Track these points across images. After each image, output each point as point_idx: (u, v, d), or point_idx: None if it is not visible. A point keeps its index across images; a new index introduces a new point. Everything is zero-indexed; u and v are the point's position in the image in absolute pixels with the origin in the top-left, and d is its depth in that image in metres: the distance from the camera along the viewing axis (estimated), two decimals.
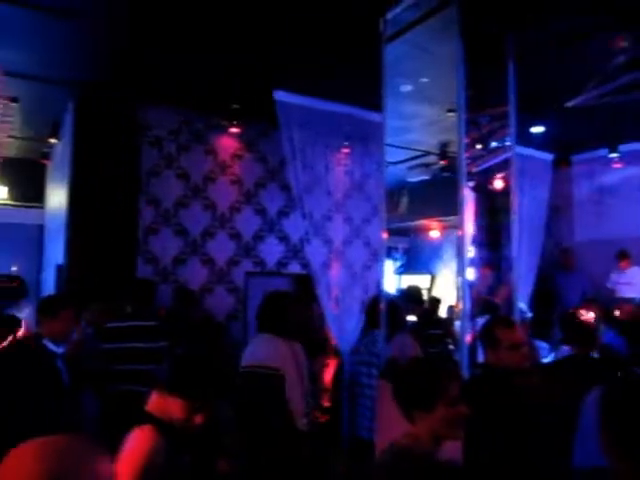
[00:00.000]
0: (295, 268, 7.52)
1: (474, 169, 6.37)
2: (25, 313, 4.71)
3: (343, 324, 4.72)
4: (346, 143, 4.95)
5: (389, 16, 4.30)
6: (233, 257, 7.14)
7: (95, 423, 3.82)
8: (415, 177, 9.09)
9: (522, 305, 5.24)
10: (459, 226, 3.65)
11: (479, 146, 6.01)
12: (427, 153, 8.19)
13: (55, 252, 7.25)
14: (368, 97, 4.37)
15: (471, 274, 6.10)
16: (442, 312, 7.22)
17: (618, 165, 7.43)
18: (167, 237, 6.74)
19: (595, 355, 3.39)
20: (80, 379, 3.64)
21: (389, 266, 9.77)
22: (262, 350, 3.75)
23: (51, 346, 3.36)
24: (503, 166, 5.77)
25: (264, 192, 7.44)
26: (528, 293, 6.06)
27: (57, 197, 7.57)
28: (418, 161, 8.56)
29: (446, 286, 9.81)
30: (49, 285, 7.55)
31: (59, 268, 6.78)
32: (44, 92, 6.24)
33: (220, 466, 2.79)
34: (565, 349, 3.63)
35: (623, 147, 7.24)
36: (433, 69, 5.04)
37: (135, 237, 6.47)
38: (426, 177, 9.00)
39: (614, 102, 4.96)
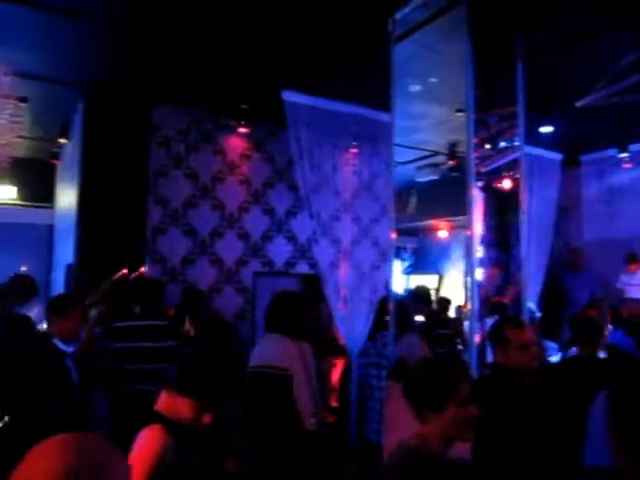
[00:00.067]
0: (303, 268, 7.53)
1: (483, 169, 6.35)
2: (35, 312, 4.73)
3: (351, 324, 4.71)
4: (354, 143, 4.95)
5: (398, 16, 4.30)
6: (241, 257, 7.16)
7: (105, 422, 3.84)
8: (424, 177, 9.09)
9: (531, 305, 5.23)
10: (468, 226, 3.65)
11: (488, 146, 6.00)
12: (436, 153, 8.18)
13: (65, 252, 7.29)
14: (377, 97, 4.37)
15: (479, 274, 6.09)
16: (451, 312, 7.20)
17: (628, 165, 7.38)
18: (175, 237, 6.76)
19: (603, 355, 3.39)
20: (90, 378, 3.66)
21: (397, 266, 9.76)
22: (270, 350, 3.75)
23: (61, 345, 3.38)
24: (512, 166, 5.76)
25: (272, 192, 7.45)
26: (537, 293, 6.04)
27: (67, 197, 7.61)
28: (427, 161, 8.55)
29: (454, 286, 9.79)
30: (59, 285, 7.60)
31: (69, 268, 6.82)
32: (54, 92, 6.27)
33: (228, 466, 2.79)
34: (574, 349, 3.63)
35: (633, 147, 7.19)
36: (442, 69, 5.03)
37: (144, 237, 6.49)
38: (435, 177, 8.99)
39: (623, 102, 4.93)
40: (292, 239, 7.53)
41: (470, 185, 3.62)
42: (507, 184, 7.14)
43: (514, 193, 5.18)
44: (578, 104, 5.14)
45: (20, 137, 7.01)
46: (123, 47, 5.24)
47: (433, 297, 6.78)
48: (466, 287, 3.64)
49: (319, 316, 4.86)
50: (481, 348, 3.94)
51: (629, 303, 6.32)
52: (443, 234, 10.42)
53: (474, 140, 3.81)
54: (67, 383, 3.30)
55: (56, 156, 8.46)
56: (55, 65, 5.63)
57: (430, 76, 5.43)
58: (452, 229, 10.20)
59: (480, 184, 6.85)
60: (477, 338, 3.84)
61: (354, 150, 5.00)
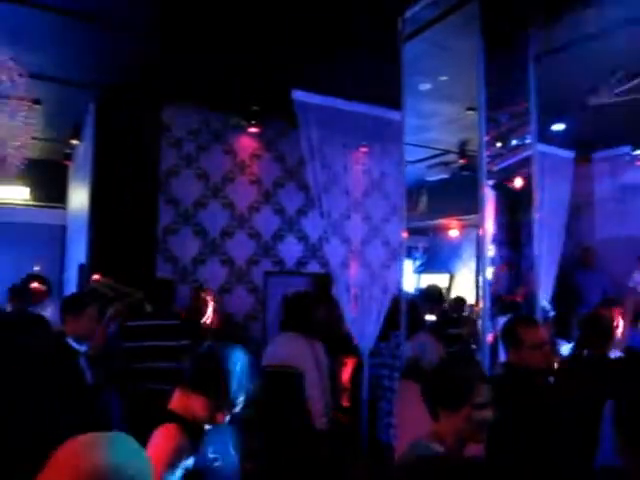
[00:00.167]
0: (314, 267, 7.53)
1: (494, 167, 6.32)
2: (48, 312, 4.77)
3: (362, 323, 4.72)
4: (364, 142, 4.95)
5: (408, 14, 4.29)
6: (252, 257, 7.17)
7: (118, 421, 3.86)
8: (434, 176, 9.06)
9: (545, 303, 5.20)
10: (480, 225, 3.63)
11: (499, 144, 5.96)
12: (446, 152, 8.15)
13: (77, 252, 7.35)
14: (387, 96, 4.36)
15: (490, 273, 6.05)
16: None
17: None
18: (186, 237, 6.79)
19: (618, 355, 3.37)
20: (103, 377, 3.68)
21: (408, 265, 9.74)
22: (282, 349, 3.77)
23: (74, 344, 3.40)
24: (523, 164, 5.72)
25: (283, 192, 7.46)
26: (549, 292, 6.01)
27: (79, 197, 7.67)
28: (437, 160, 8.52)
29: (465, 285, 9.75)
30: (71, 285, 7.65)
31: (81, 267, 6.87)
32: (66, 94, 6.32)
33: (246, 467, 2.80)
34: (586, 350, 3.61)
35: None
36: (452, 67, 5.01)
37: (155, 237, 6.53)
38: (445, 176, 8.95)
39: (636, 99, 4.89)
40: (303, 238, 7.53)
41: (482, 183, 3.61)
42: (518, 182, 7.10)
43: (525, 191, 5.16)
44: (590, 101, 5.10)
45: (33, 138, 7.06)
46: (134, 48, 5.27)
47: (446, 296, 6.77)
48: (477, 286, 3.62)
49: (332, 315, 4.87)
50: (493, 347, 3.92)
51: None
52: (454, 233, 10.36)
53: (485, 138, 3.79)
54: (80, 382, 3.32)
55: (68, 157, 8.53)
56: (67, 67, 5.67)
57: (440, 74, 5.41)
58: (463, 228, 10.14)
59: (491, 182, 6.82)
60: (489, 337, 3.83)
61: (364, 149, 5.01)
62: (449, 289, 10.13)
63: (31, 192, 9.10)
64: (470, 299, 7.60)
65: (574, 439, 2.65)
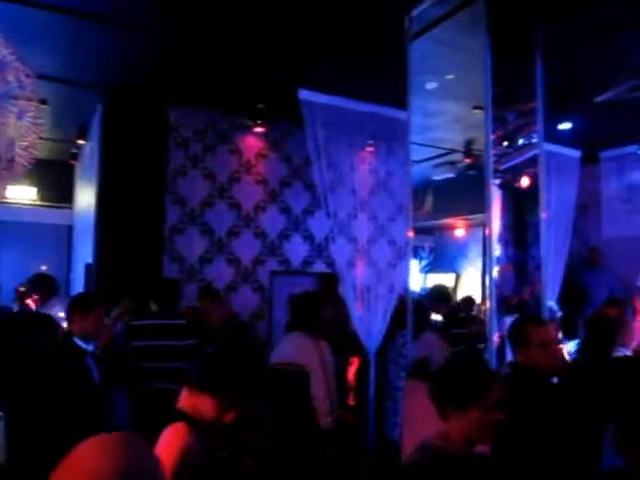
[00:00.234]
0: (320, 267, 7.53)
1: (500, 167, 6.30)
2: (55, 311, 4.78)
3: (368, 322, 4.71)
4: (370, 141, 4.95)
5: (414, 13, 4.28)
6: (258, 256, 7.18)
7: (125, 420, 3.87)
8: (440, 175, 9.04)
9: (552, 303, 5.18)
10: (487, 224, 3.62)
11: (505, 143, 5.95)
12: (452, 151, 8.13)
13: (84, 251, 7.38)
14: (393, 95, 4.35)
15: (496, 273, 6.04)
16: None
17: None
18: (193, 236, 6.80)
19: (628, 353, 3.36)
20: (110, 377, 3.69)
21: (414, 265, 9.74)
22: (289, 348, 3.77)
23: (81, 344, 3.41)
24: (530, 163, 5.70)
25: (289, 191, 7.46)
26: (556, 291, 5.99)
27: (85, 197, 7.70)
28: (443, 159, 8.50)
29: (471, 285, 9.74)
30: (78, 285, 7.69)
31: (88, 267, 6.89)
32: (73, 94, 6.34)
33: (248, 464, 2.80)
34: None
35: None
36: (459, 66, 4.99)
37: (161, 236, 6.54)
38: (451, 175, 8.93)
39: None
40: (309, 238, 7.54)
41: (488, 183, 3.60)
42: (525, 182, 7.07)
43: (532, 191, 5.13)
44: (598, 99, 5.08)
45: (40, 139, 7.08)
46: (141, 49, 5.28)
47: (454, 296, 6.75)
48: (484, 286, 3.62)
49: (338, 314, 4.87)
50: (500, 347, 3.91)
51: None
52: (460, 232, 10.36)
53: (492, 137, 3.78)
54: (87, 382, 3.33)
55: (75, 157, 8.56)
56: (75, 68, 5.69)
57: (447, 73, 5.39)
58: (469, 227, 10.14)
59: (497, 182, 6.80)
60: (496, 337, 3.81)
61: (370, 149, 5.00)
62: (455, 289, 10.12)
63: (38, 192, 9.14)
64: (476, 299, 7.59)
65: (580, 439, 2.64)
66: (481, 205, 3.62)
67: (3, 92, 3.24)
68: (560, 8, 4.14)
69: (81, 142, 7.63)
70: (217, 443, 2.07)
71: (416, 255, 9.93)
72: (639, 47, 4.53)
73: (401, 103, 4.42)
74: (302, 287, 5.30)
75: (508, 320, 4.19)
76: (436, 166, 8.74)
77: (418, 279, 10.13)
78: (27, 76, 3.33)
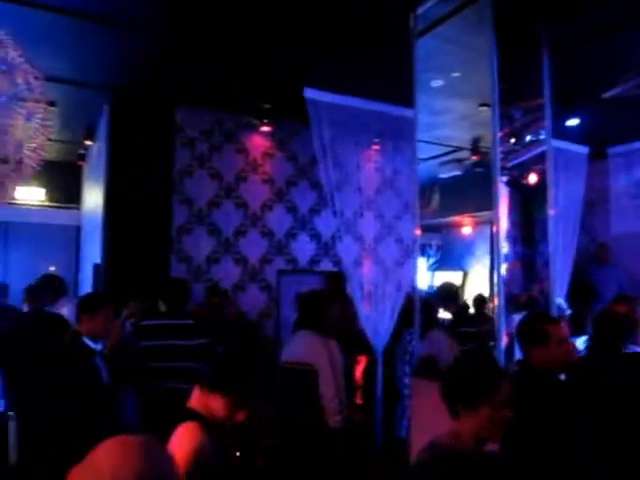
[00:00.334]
0: (327, 266, 7.53)
1: (507, 164, 6.27)
2: (64, 312, 4.81)
3: (375, 321, 4.71)
4: (376, 140, 4.94)
5: (420, 11, 4.27)
6: (265, 255, 7.19)
7: (134, 420, 3.89)
8: (447, 173, 9.01)
9: (560, 301, 5.15)
10: (494, 221, 3.61)
11: (513, 140, 5.92)
12: (459, 148, 8.11)
13: (92, 252, 7.41)
14: (399, 93, 4.34)
15: (504, 270, 6.02)
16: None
17: None
18: (200, 236, 6.82)
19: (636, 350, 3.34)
20: (119, 376, 3.70)
21: (422, 263, 9.73)
22: (298, 347, 3.78)
23: (90, 343, 3.43)
24: (537, 160, 5.67)
25: (295, 190, 7.47)
26: (564, 288, 5.96)
27: (93, 198, 7.73)
28: (450, 157, 8.48)
29: (479, 282, 9.71)
30: (86, 285, 7.73)
31: (96, 267, 6.92)
32: (80, 96, 6.37)
33: (258, 463, 2.81)
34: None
35: None
36: (465, 63, 4.97)
37: (169, 236, 6.57)
38: (458, 173, 8.90)
39: None
40: (316, 237, 7.54)
41: (496, 180, 3.59)
42: (533, 178, 7.03)
43: (540, 187, 5.11)
44: (605, 96, 5.05)
45: (48, 140, 7.13)
46: (147, 50, 5.29)
47: (461, 294, 6.73)
48: (492, 283, 3.61)
49: (345, 313, 4.87)
50: (509, 345, 3.89)
51: None
52: (467, 230, 10.33)
53: (499, 134, 3.76)
54: (96, 381, 3.35)
55: (82, 158, 8.60)
56: (82, 69, 5.72)
57: (453, 70, 5.37)
58: (476, 225, 10.11)
59: (505, 179, 6.78)
60: (504, 335, 3.80)
61: (376, 147, 5.00)
62: (463, 286, 10.09)
63: (46, 193, 9.19)
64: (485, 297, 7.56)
65: (590, 436, 2.63)
66: (488, 202, 3.61)
67: (12, 94, 3.26)
68: (566, 4, 4.12)
69: (88, 143, 7.67)
70: (228, 442, 2.07)
71: (423, 253, 9.91)
72: None
73: (407, 101, 4.41)
74: (309, 286, 5.31)
75: (516, 318, 4.17)
76: (443, 164, 8.71)
77: (425, 277, 10.10)
78: (36, 78, 3.35)
